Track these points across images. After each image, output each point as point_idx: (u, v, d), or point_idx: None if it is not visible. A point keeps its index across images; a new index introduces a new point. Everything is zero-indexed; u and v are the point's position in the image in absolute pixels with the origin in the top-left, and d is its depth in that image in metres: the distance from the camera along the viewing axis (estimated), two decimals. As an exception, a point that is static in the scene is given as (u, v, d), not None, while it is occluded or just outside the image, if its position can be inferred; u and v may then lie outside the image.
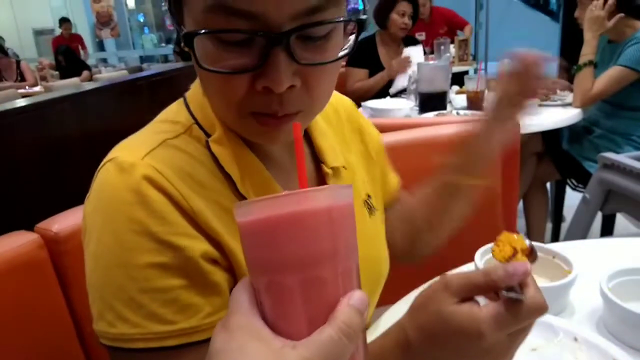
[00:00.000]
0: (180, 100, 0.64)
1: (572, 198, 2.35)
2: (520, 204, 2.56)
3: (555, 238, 2.62)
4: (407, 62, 2.77)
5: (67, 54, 6.73)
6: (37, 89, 5.92)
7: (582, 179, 2.29)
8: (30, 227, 0.83)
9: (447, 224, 0.88)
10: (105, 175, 0.53)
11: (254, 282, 0.38)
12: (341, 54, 0.54)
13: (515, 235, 0.49)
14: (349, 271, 0.37)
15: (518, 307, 0.43)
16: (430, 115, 2.22)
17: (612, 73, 2.15)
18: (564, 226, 2.69)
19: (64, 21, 8.03)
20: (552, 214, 2.70)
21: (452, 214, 0.86)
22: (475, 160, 0.81)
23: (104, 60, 10.33)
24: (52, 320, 0.81)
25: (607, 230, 2.24)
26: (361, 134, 0.81)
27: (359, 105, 2.88)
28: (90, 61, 8.70)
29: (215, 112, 0.59)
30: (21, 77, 6.60)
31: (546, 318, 0.72)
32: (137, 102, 2.34)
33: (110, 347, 0.53)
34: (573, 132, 2.43)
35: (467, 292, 0.47)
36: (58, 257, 0.82)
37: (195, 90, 0.63)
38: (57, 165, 1.56)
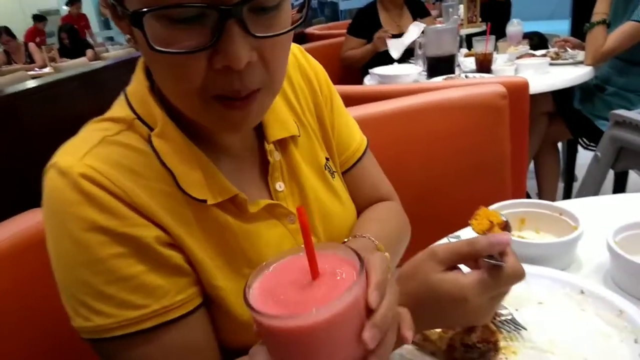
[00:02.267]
0: (121, 97, 0.63)
1: (584, 157, 2.33)
2: (532, 165, 2.55)
3: (567, 197, 2.62)
4: (382, 38, 2.73)
5: (71, 32, 6.72)
6: (46, 70, 5.95)
7: (594, 137, 2.27)
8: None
9: None
10: (49, 182, 0.55)
11: None
12: (295, 24, 0.53)
13: (491, 210, 0.54)
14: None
15: (499, 273, 0.48)
16: (438, 80, 2.20)
17: (625, 29, 2.10)
18: (576, 186, 2.68)
19: (75, 1, 7.98)
20: (563, 174, 2.68)
21: None
22: None
23: (111, 39, 10.27)
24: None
25: (620, 188, 2.23)
26: (314, 92, 0.77)
27: (354, 72, 2.89)
28: (97, 39, 8.67)
29: (175, 102, 0.56)
30: (30, 59, 6.63)
31: (553, 273, 0.74)
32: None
33: (91, 340, 0.55)
34: (584, 90, 2.39)
35: (452, 261, 0.52)
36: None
37: (136, 85, 0.62)
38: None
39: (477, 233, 0.56)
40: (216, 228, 0.61)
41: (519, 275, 0.50)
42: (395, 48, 2.64)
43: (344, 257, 0.44)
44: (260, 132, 0.69)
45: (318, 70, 0.80)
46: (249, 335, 0.60)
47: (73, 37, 6.72)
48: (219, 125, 0.56)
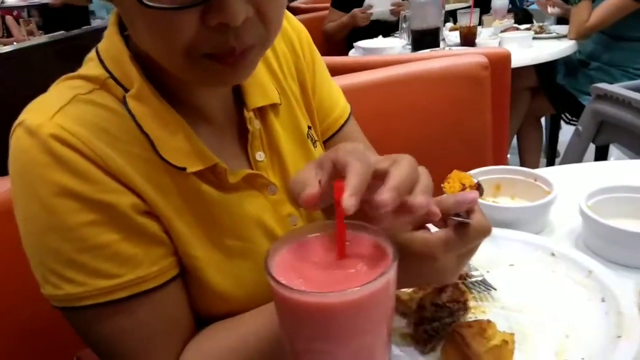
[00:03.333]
0: (93, 54, 0.59)
1: (566, 133, 2.35)
2: (515, 141, 2.56)
3: (549, 173, 2.64)
4: (357, 15, 2.75)
5: (41, 8, 6.50)
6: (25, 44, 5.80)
7: (577, 112, 2.28)
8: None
9: None
10: (16, 141, 0.51)
11: (292, 344, 0.43)
12: None
13: (464, 173, 0.54)
14: (388, 326, 0.43)
15: (465, 230, 0.48)
16: (423, 53, 2.18)
17: (610, 3, 2.10)
18: (558, 161, 2.70)
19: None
20: (546, 149, 2.70)
21: None
22: None
23: (92, 13, 9.98)
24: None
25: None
26: (297, 57, 0.75)
27: (339, 46, 2.88)
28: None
29: (157, 59, 0.52)
30: (7, 33, 6.45)
31: (524, 236, 0.75)
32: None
33: (62, 309, 0.53)
34: (568, 65, 2.39)
35: (421, 221, 0.50)
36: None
37: (108, 43, 0.58)
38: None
39: None
40: (194, 197, 0.58)
41: (485, 231, 0.49)
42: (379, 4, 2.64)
43: (376, 240, 0.43)
44: (239, 98, 0.66)
45: (301, 34, 0.76)
46: (226, 305, 0.59)
47: (45, 14, 6.51)
48: (206, 81, 0.54)
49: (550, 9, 2.46)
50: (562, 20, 2.57)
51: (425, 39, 2.30)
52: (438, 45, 2.30)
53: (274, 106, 0.68)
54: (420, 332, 0.57)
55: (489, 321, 0.55)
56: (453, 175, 0.54)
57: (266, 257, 0.41)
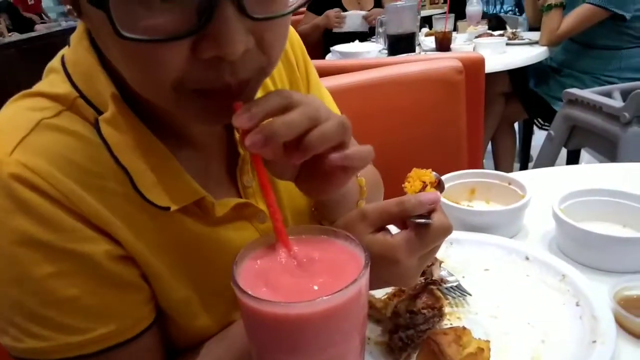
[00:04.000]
0: (57, 64, 0.51)
1: (539, 139, 2.38)
2: (489, 146, 2.59)
3: (523, 177, 2.68)
4: (330, 16, 2.78)
5: (10, 11, 6.31)
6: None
7: (549, 118, 2.31)
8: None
9: None
10: None
11: (261, 357, 0.41)
12: (298, 2, 0.43)
13: (423, 170, 0.53)
14: (360, 335, 0.42)
15: (426, 231, 0.47)
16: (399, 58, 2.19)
17: (580, 11, 2.14)
18: (531, 166, 2.74)
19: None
20: (519, 154, 2.74)
21: None
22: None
23: (64, 14, 9.79)
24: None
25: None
26: (292, 70, 0.69)
27: (316, 50, 2.88)
28: (51, 15, 8.24)
29: (139, 91, 0.45)
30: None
31: (498, 240, 0.74)
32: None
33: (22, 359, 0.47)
34: (540, 72, 2.43)
35: (382, 222, 0.49)
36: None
37: (77, 55, 0.50)
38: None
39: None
40: (176, 236, 0.52)
41: (447, 231, 0.48)
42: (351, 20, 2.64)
43: (346, 246, 0.42)
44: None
45: (294, 42, 0.68)
46: (201, 340, 0.55)
47: (14, 17, 6.34)
48: (197, 119, 0.47)
49: (525, 33, 2.50)
50: (534, 27, 2.61)
51: (401, 44, 2.31)
52: (414, 50, 2.31)
53: None
54: (396, 340, 0.56)
55: (464, 328, 0.54)
56: (413, 174, 0.53)
57: (233, 265, 0.39)
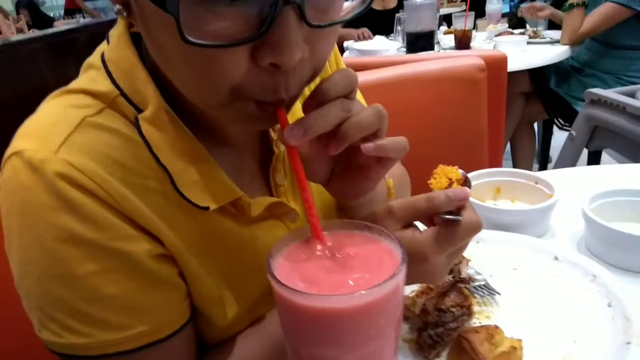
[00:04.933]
0: (97, 62, 0.51)
1: (559, 139, 2.35)
2: (508, 147, 2.57)
3: (541, 178, 2.65)
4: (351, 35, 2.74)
5: (30, 7, 6.40)
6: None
7: (569, 118, 2.29)
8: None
9: None
10: (14, 174, 0.44)
11: (296, 350, 0.41)
12: (351, 12, 0.43)
13: (450, 167, 0.52)
14: (396, 332, 0.41)
15: (455, 228, 0.46)
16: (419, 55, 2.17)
17: (604, 10, 2.10)
18: (550, 166, 2.71)
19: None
20: (539, 155, 2.71)
21: None
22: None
23: (78, 12, 9.84)
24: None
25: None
26: (326, 72, 0.67)
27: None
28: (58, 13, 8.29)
29: (188, 93, 0.45)
30: (-5, 30, 6.34)
31: (527, 239, 0.74)
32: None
33: (61, 354, 0.48)
34: (561, 71, 2.40)
35: (410, 218, 0.48)
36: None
37: (119, 53, 0.50)
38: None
39: None
40: (213, 234, 0.52)
41: (476, 228, 0.46)
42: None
43: (383, 241, 0.42)
44: None
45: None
46: (230, 334, 0.56)
47: (34, 13, 6.42)
48: (240, 125, 0.48)
49: (540, 13, 2.47)
50: (554, 25, 2.58)
51: (420, 42, 2.30)
52: (433, 48, 2.30)
53: None
54: (425, 338, 0.56)
55: (496, 326, 0.53)
56: (439, 170, 0.52)
57: (268, 257, 0.39)
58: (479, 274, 0.67)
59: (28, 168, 0.44)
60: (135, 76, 0.48)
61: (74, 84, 0.50)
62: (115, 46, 0.50)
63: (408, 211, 0.48)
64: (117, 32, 0.51)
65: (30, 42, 1.58)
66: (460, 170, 0.51)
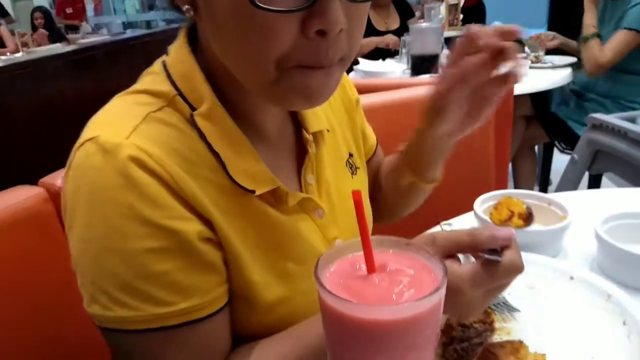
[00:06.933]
0: (158, 68, 0.58)
1: (559, 162, 2.39)
2: (509, 168, 2.60)
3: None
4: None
5: (46, 14, 6.50)
6: (18, 55, 5.75)
7: (570, 141, 2.33)
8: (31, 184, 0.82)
9: (400, 209, 0.89)
10: (87, 157, 0.49)
11: (338, 356, 0.43)
12: None
13: (515, 199, 0.52)
14: (434, 344, 0.43)
15: (494, 268, 0.47)
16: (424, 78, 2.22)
17: (623, 37, 2.12)
18: (551, 190, 2.75)
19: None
20: (539, 178, 2.75)
21: (407, 205, 0.87)
22: (428, 160, 0.77)
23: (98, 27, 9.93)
24: (56, 274, 0.82)
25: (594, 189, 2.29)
26: (343, 89, 0.78)
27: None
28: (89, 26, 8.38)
29: (240, 71, 0.51)
30: (0, 44, 6.40)
31: (543, 259, 0.76)
32: (131, 62, 2.28)
33: (106, 329, 0.52)
34: (562, 95, 2.46)
35: (451, 250, 0.50)
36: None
37: (178, 57, 0.57)
38: (54, 123, 1.52)
39: (495, 223, 0.53)
40: (258, 220, 0.58)
41: (517, 270, 0.48)
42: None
43: (422, 257, 0.43)
44: (296, 121, 0.67)
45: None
46: (267, 322, 0.59)
47: (48, 21, 6.52)
48: (292, 96, 0.51)
49: (548, 43, 2.52)
50: (554, 50, 2.63)
51: (425, 65, 2.34)
52: (437, 72, 2.35)
53: (322, 132, 0.68)
54: (451, 352, 0.58)
55: (520, 341, 0.55)
56: (503, 202, 0.52)
57: (316, 268, 0.42)
58: (497, 291, 0.69)
59: (101, 151, 0.49)
60: (192, 77, 0.55)
61: (136, 86, 0.57)
62: (175, 54, 0.58)
63: (451, 243, 0.50)
64: (177, 44, 0.59)
65: (54, 59, 1.62)
66: (526, 204, 0.51)
